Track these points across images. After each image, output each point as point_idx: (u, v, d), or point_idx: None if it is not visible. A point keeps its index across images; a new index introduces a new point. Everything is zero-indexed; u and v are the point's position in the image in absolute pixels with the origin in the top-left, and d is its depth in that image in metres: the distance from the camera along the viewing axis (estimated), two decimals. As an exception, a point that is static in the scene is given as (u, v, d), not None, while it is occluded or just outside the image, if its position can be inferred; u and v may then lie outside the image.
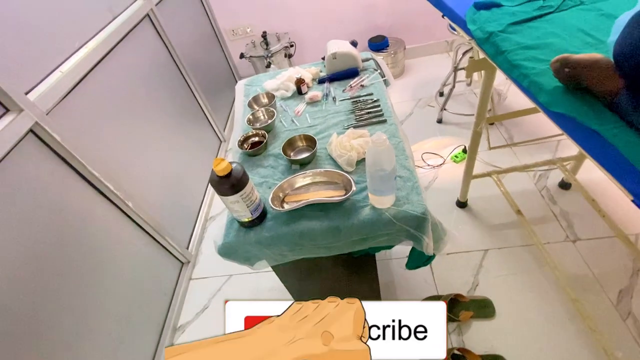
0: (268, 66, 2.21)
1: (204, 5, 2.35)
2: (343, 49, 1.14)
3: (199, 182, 2.01)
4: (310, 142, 0.94)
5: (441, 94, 2.30)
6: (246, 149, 0.99)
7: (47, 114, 1.03)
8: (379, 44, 2.46)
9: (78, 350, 1.03)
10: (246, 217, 0.74)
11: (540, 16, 0.98)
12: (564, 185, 1.60)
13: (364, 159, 0.86)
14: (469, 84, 2.23)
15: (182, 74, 1.93)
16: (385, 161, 0.64)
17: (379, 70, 1.15)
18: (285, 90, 1.17)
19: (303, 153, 0.94)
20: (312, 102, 1.11)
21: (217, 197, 2.04)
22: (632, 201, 0.61)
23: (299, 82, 1.13)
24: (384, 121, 0.96)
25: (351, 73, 1.17)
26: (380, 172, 0.65)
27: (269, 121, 1.03)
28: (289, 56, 2.30)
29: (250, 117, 1.06)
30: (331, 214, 0.75)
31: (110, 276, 1.22)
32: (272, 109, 1.07)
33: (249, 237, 0.77)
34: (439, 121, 2.13)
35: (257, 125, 1.06)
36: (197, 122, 2.08)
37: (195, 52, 2.13)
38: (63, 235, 1.05)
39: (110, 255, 1.23)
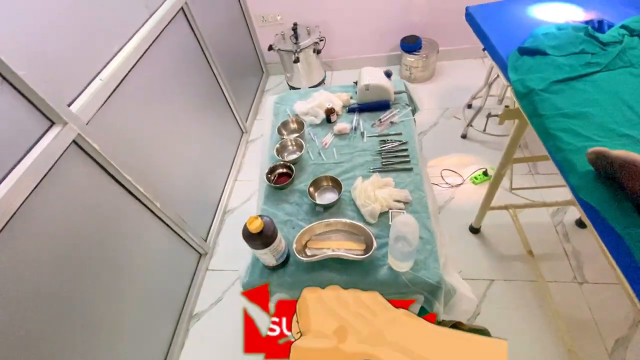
0: (296, 61, 2.18)
1: (236, -10, 2.29)
2: (376, 81, 1.13)
3: (220, 174, 2.08)
4: (336, 183, 0.97)
5: (469, 106, 2.24)
6: (273, 180, 1.03)
7: (87, 124, 1.08)
8: (411, 45, 2.37)
9: (104, 329, 1.15)
10: (271, 263, 0.80)
11: (587, 75, 0.95)
12: (581, 224, 1.59)
13: (386, 212, 0.89)
14: (500, 102, 2.16)
15: (209, 63, 1.92)
16: (409, 240, 0.68)
17: (410, 107, 1.14)
18: (315, 117, 1.18)
19: (327, 192, 0.98)
20: (340, 135, 1.12)
21: (236, 190, 2.12)
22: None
23: (329, 111, 1.14)
24: (410, 169, 0.98)
25: (382, 106, 1.16)
26: (403, 248, 0.68)
27: (297, 153, 1.06)
28: (318, 52, 2.26)
29: (279, 147, 1.08)
30: (350, 269, 0.80)
31: (136, 267, 1.32)
32: (300, 140, 1.09)
33: (272, 279, 0.83)
34: (464, 136, 2.10)
35: (285, 155, 1.09)
36: (220, 114, 2.10)
37: (224, 39, 2.11)
38: (98, 234, 1.14)
39: (137, 249, 1.33)
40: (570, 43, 1.03)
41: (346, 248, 0.83)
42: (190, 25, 1.74)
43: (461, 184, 1.88)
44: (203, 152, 1.88)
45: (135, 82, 1.32)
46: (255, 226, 0.69)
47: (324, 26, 2.41)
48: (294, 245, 0.82)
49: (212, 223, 1.92)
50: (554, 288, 1.44)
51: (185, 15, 1.69)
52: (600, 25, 1.13)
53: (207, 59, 1.90)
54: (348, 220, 0.86)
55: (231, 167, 2.19)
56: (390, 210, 0.86)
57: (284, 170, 1.05)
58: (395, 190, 0.90)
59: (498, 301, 1.46)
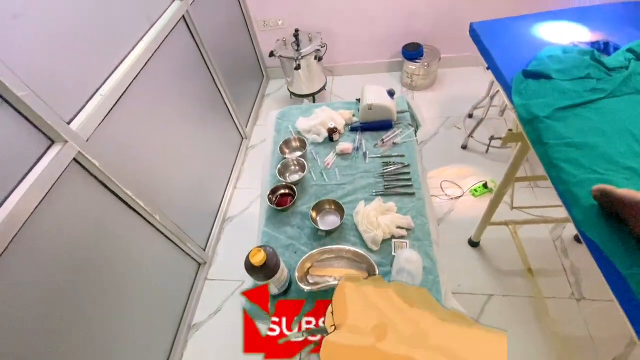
0: (297, 68, 2.17)
1: (237, -6, 2.26)
2: (380, 101, 1.13)
3: (220, 182, 2.07)
4: (338, 207, 0.97)
5: (470, 116, 2.24)
6: (275, 201, 1.03)
7: (87, 141, 1.07)
8: (413, 52, 2.36)
9: (103, 343, 1.15)
10: (273, 292, 0.80)
11: (592, 102, 0.95)
12: (579, 240, 1.60)
13: (389, 239, 0.89)
14: (502, 114, 2.16)
15: (209, 69, 1.91)
16: (413, 275, 0.67)
17: (413, 129, 1.14)
18: (317, 135, 1.17)
19: (330, 216, 0.98)
20: (343, 155, 1.12)
21: (236, 197, 2.12)
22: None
23: (332, 131, 1.13)
24: (413, 194, 0.97)
25: (385, 125, 1.16)
26: (406, 282, 0.68)
27: (300, 174, 1.06)
28: (320, 59, 2.24)
29: (281, 167, 1.08)
30: (352, 299, 0.80)
31: (135, 280, 1.32)
32: (303, 160, 1.08)
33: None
34: (464, 147, 2.10)
35: (287, 175, 1.08)
36: (220, 120, 2.09)
37: (225, 44, 2.09)
38: (96, 249, 1.13)
39: (136, 261, 1.33)
40: (575, 67, 1.03)
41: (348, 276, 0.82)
42: (191, 32, 1.72)
43: (461, 196, 1.88)
44: (203, 160, 1.87)
45: (136, 94, 1.31)
46: (259, 260, 0.69)
47: (325, 31, 2.40)
48: (296, 274, 0.82)
49: (211, 232, 1.92)
50: (552, 304, 1.45)
51: (187, 23, 1.67)
52: (606, 47, 1.13)
53: (207, 64, 1.88)
54: (351, 248, 0.86)
55: (231, 175, 2.18)
56: (393, 240, 0.85)
57: (286, 191, 1.04)
58: (398, 217, 0.90)
59: (496, 317, 1.47)
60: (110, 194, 1.19)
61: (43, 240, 0.94)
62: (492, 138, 1.92)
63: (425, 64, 2.34)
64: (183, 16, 1.62)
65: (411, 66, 2.38)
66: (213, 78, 1.95)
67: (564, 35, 1.20)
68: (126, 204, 1.26)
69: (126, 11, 1.28)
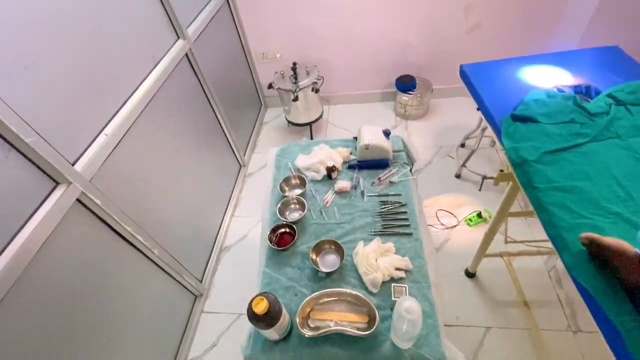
0: (295, 99, 2.23)
1: (237, 29, 2.35)
2: (376, 142, 1.17)
3: (217, 210, 2.08)
4: (337, 246, 0.99)
5: (463, 145, 2.30)
6: (275, 241, 1.04)
7: (90, 180, 1.09)
8: (406, 84, 2.45)
9: None
10: (274, 338, 0.80)
11: (576, 145, 1.00)
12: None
13: (389, 281, 0.91)
14: (493, 145, 2.24)
15: (209, 100, 1.95)
16: (413, 323, 0.69)
17: (409, 167, 1.18)
18: (316, 172, 1.21)
19: (329, 255, 1.00)
20: (341, 193, 1.15)
21: (233, 226, 2.12)
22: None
23: (330, 169, 1.17)
24: (410, 234, 1.00)
25: (381, 164, 1.20)
26: (406, 334, 0.70)
27: (299, 213, 1.08)
28: (316, 90, 2.31)
29: (281, 206, 1.10)
30: (353, 344, 0.81)
31: (131, 314, 1.30)
32: (302, 198, 1.11)
33: (275, 354, 0.83)
34: (457, 176, 2.15)
35: (287, 213, 1.10)
36: (218, 148, 2.12)
37: (225, 76, 2.16)
38: (94, 284, 1.12)
39: (132, 296, 1.31)
40: (560, 112, 1.09)
41: (349, 320, 0.83)
42: (193, 68, 1.78)
43: (456, 225, 1.92)
44: (201, 189, 1.89)
45: (138, 130, 1.34)
46: (262, 309, 0.70)
47: (321, 63, 2.49)
48: (297, 319, 0.83)
49: (208, 262, 1.91)
50: (549, 337, 1.46)
51: (189, 59, 1.73)
52: (587, 91, 1.20)
53: (207, 96, 1.93)
54: (351, 291, 0.87)
55: (228, 203, 2.19)
56: (392, 284, 0.87)
57: (286, 230, 1.06)
58: (397, 258, 0.92)
59: (495, 350, 1.47)
60: (110, 230, 1.20)
61: (43, 280, 0.94)
62: (484, 177, 1.98)
63: (418, 95, 2.43)
64: (186, 53, 1.68)
65: (404, 97, 2.47)
66: (212, 108, 2.00)
67: (548, 78, 1.28)
68: (125, 239, 1.26)
69: (133, 52, 1.33)
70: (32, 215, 0.92)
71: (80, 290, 1.07)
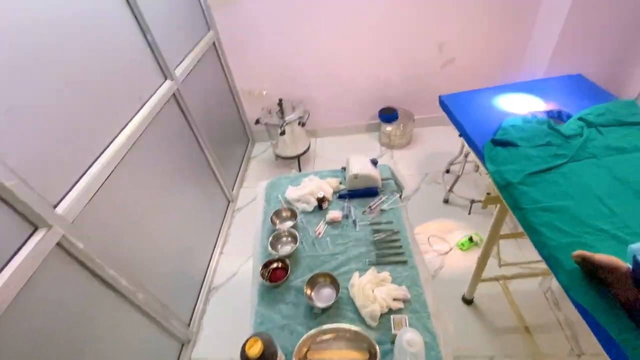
0: (282, 134, 2.27)
1: (224, 68, 2.43)
2: (364, 171, 1.19)
3: (205, 249, 2.01)
4: (332, 279, 0.96)
5: (448, 171, 2.36)
6: (267, 277, 1.01)
7: (72, 223, 1.05)
8: (389, 115, 2.54)
9: None
10: (271, 383, 0.74)
11: (556, 167, 1.04)
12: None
13: (387, 312, 0.88)
14: (477, 169, 2.30)
15: (196, 138, 1.96)
16: (416, 356, 0.66)
17: (398, 194, 1.19)
18: (307, 204, 1.20)
19: (325, 288, 0.96)
20: (333, 223, 1.14)
21: (222, 264, 2.05)
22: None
23: (321, 200, 1.17)
24: (405, 262, 0.99)
25: (371, 192, 1.20)
26: (410, 367, 0.66)
27: (291, 245, 1.06)
28: (303, 124, 2.37)
29: (273, 240, 1.08)
30: (355, 384, 0.76)
31: None
32: (294, 230, 1.09)
33: (271, 400, 0.77)
34: (446, 201, 2.18)
35: (279, 247, 1.08)
36: (206, 185, 2.10)
37: (212, 113, 2.19)
38: (75, 332, 1.04)
39: (115, 344, 1.22)
40: (536, 135, 1.14)
41: (349, 358, 0.79)
42: (180, 107, 1.80)
43: (449, 251, 1.91)
44: (188, 228, 1.84)
45: (123, 170, 1.32)
46: (256, 351, 0.66)
47: (307, 99, 2.57)
48: (294, 356, 0.78)
49: (195, 304, 1.81)
50: (554, 363, 1.42)
51: (177, 99, 1.76)
52: (559, 115, 1.28)
53: (194, 133, 1.94)
54: (349, 327, 0.83)
55: (217, 240, 2.13)
56: (392, 316, 0.84)
57: (279, 265, 1.03)
58: (394, 288, 0.90)
59: (501, 381, 1.40)
60: (93, 276, 1.13)
61: (20, 326, 0.87)
62: (472, 201, 2.02)
63: (401, 125, 2.52)
64: (174, 94, 1.71)
65: (388, 128, 2.55)
66: (200, 145, 2.01)
67: (522, 105, 1.35)
68: (108, 284, 1.19)
69: (119, 93, 1.35)
70: (9, 260, 0.87)
71: (59, 337, 0.99)
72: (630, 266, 0.67)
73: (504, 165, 1.08)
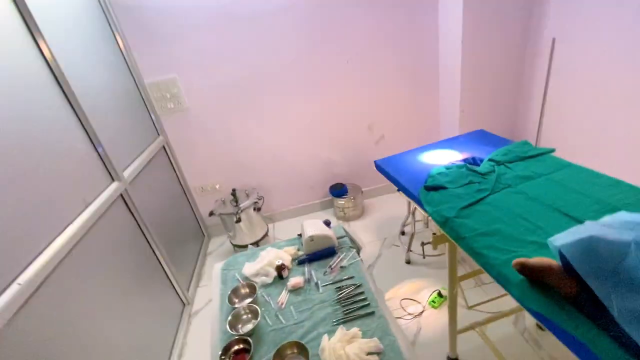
0: (238, 221, 2.27)
1: (174, 168, 2.51)
2: (319, 232, 1.22)
3: (161, 356, 1.72)
4: (301, 348, 0.89)
5: (403, 233, 2.46)
6: (229, 362, 0.90)
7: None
8: (339, 191, 2.71)
9: None
10: None
11: (482, 199, 1.18)
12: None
13: (362, 370, 0.81)
14: (426, 225, 2.45)
15: (147, 240, 1.88)
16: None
17: (355, 250, 1.22)
18: (266, 276, 1.16)
19: (294, 361, 0.88)
20: (295, 290, 1.10)
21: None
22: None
23: (280, 268, 1.14)
24: (372, 313, 0.96)
25: (329, 252, 1.22)
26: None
27: (253, 322, 0.98)
28: (258, 209, 2.41)
29: (231, 319, 1.00)
30: None
31: None
32: (254, 305, 1.03)
33: None
34: (408, 262, 2.21)
35: (240, 326, 1.00)
36: (159, 288, 1.92)
37: (164, 213, 2.15)
38: None
39: None
40: (459, 178, 1.32)
41: None
42: (129, 208, 1.77)
43: (423, 311, 1.86)
44: (137, 339, 1.59)
45: (62, 277, 1.20)
46: None
47: (260, 186, 2.68)
48: None
49: None
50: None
51: (124, 200, 1.74)
52: (474, 161, 1.49)
53: (144, 235, 1.87)
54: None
55: (171, 351, 1.85)
56: (366, 370, 0.78)
57: (241, 346, 0.94)
58: (365, 342, 0.85)
59: None
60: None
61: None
62: (423, 243, 2.09)
63: (352, 197, 2.68)
64: (121, 194, 1.70)
65: (340, 202, 2.69)
66: (151, 247, 1.91)
67: (443, 157, 1.58)
68: None
69: (59, 195, 1.31)
70: None
71: None
72: (559, 262, 0.74)
73: (439, 205, 1.20)
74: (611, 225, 0.71)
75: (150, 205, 1.97)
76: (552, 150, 1.39)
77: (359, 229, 2.63)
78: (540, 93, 2.20)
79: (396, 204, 2.76)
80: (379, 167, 1.69)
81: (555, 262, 0.77)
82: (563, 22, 1.93)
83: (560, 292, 0.75)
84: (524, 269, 0.79)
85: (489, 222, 1.06)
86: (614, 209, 0.95)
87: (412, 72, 2.52)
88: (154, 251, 1.93)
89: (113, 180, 1.68)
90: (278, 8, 2.17)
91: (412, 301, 1.93)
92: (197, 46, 2.17)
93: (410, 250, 2.20)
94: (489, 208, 1.13)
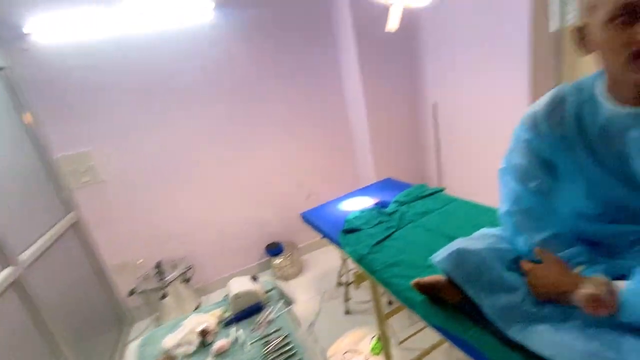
0: (163, 297, 2.09)
1: (88, 247, 2.27)
2: (245, 288, 1.22)
3: None
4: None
5: (340, 284, 2.50)
6: None
7: None
8: (275, 249, 2.71)
9: None
10: None
11: (390, 235, 1.33)
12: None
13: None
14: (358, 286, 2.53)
15: (49, 334, 1.60)
16: None
17: (282, 300, 1.23)
18: (189, 345, 1.09)
19: None
20: (221, 354, 1.05)
21: None
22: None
23: (203, 333, 1.09)
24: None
25: (256, 309, 1.21)
26: None
27: (172, 398, 0.90)
28: (187, 280, 2.26)
29: (147, 399, 0.90)
30: None
31: None
32: (174, 379, 0.95)
33: None
34: (347, 312, 2.22)
35: (156, 407, 0.90)
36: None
37: (70, 300, 1.88)
38: None
39: None
40: (370, 219, 1.48)
41: None
42: (25, 298, 1.53)
43: (365, 360, 1.84)
44: None
45: None
46: None
47: (191, 254, 2.54)
48: None
49: None
50: None
51: (19, 288, 1.51)
52: (383, 204, 1.69)
53: (45, 330, 1.59)
54: None
55: None
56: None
57: None
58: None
59: None
60: None
61: None
62: (347, 284, 2.14)
63: (288, 255, 2.69)
64: (14, 281, 1.48)
65: (277, 261, 2.67)
66: (54, 340, 1.62)
67: (358, 204, 1.75)
68: None
69: None
70: None
71: None
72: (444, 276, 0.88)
73: (355, 245, 1.31)
74: (473, 238, 0.88)
75: (52, 293, 1.73)
76: (442, 190, 1.66)
77: (299, 287, 2.60)
78: (433, 144, 2.64)
79: (332, 256, 2.83)
80: (304, 218, 1.79)
81: (441, 277, 0.90)
82: (440, 91, 2.44)
83: (451, 302, 0.86)
84: (420, 287, 0.91)
85: (395, 254, 1.19)
86: (483, 227, 1.16)
87: (331, 135, 2.84)
88: (58, 347, 1.64)
89: (8, 264, 1.47)
90: (198, 82, 2.34)
91: (355, 352, 1.91)
92: (113, 119, 2.18)
93: (349, 299, 2.23)
94: (395, 242, 1.28)
